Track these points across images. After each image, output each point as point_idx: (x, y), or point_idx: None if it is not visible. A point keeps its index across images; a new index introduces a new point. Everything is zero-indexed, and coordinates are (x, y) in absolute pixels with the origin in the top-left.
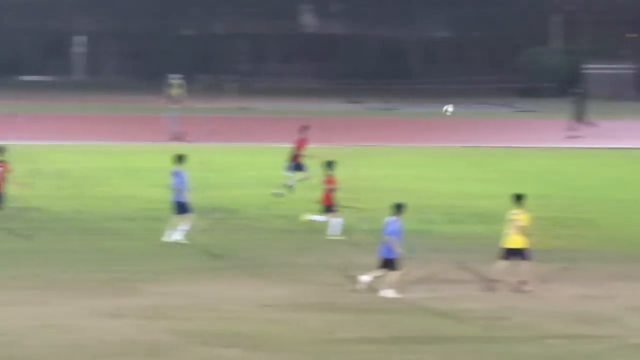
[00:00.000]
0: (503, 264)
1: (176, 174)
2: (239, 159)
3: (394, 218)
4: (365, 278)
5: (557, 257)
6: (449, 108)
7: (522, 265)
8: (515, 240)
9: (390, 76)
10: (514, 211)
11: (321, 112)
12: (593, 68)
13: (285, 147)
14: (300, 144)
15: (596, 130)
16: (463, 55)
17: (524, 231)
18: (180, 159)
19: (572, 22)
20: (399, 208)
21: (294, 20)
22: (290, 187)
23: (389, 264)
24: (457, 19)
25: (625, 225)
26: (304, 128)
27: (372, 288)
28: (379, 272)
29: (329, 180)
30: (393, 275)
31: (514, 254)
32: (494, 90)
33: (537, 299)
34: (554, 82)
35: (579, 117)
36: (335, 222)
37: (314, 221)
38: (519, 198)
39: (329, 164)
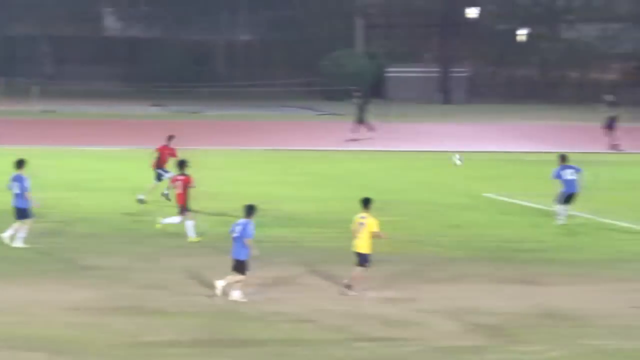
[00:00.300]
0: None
1: (17, 179)
2: (46, 162)
3: (245, 220)
4: (220, 283)
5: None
6: (457, 159)
7: (355, 269)
8: (360, 245)
9: (195, 79)
10: (361, 215)
11: (126, 115)
12: (397, 71)
13: (93, 150)
14: (164, 152)
15: (381, 133)
16: (267, 58)
17: (374, 235)
18: (20, 163)
19: (376, 25)
20: (250, 210)
21: (96, 24)
22: (165, 196)
23: (239, 266)
24: (262, 22)
25: (431, 227)
26: (170, 137)
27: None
28: (233, 276)
29: (184, 181)
30: (239, 278)
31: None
32: (298, 93)
33: (345, 301)
34: (358, 86)
35: (360, 120)
36: (189, 224)
37: (169, 224)
38: (366, 202)
39: (181, 164)
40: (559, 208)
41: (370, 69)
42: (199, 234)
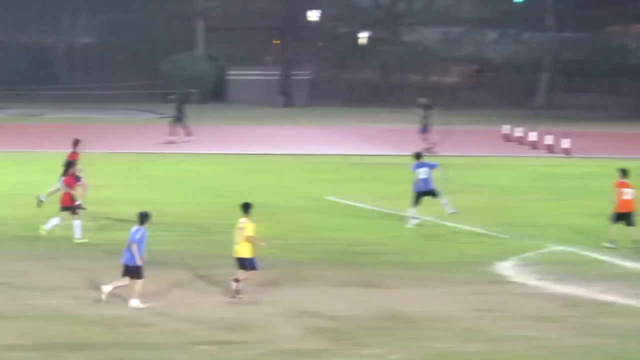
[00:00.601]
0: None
1: None
2: None
3: (138, 227)
4: (106, 288)
5: (201, 263)
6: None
7: (240, 274)
8: (241, 250)
9: (35, 82)
10: (241, 220)
11: None
12: (238, 74)
13: None
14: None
15: (223, 136)
16: (108, 60)
17: (249, 240)
18: None
19: (217, 28)
20: (143, 217)
21: None
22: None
23: (131, 271)
24: (101, 25)
25: (273, 230)
26: (77, 142)
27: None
28: (122, 281)
29: (68, 182)
30: (137, 284)
31: (241, 263)
32: (140, 96)
33: (186, 305)
34: (198, 89)
35: (178, 122)
36: (76, 224)
37: (52, 228)
38: (246, 207)
39: (69, 165)
40: (411, 211)
41: (210, 71)
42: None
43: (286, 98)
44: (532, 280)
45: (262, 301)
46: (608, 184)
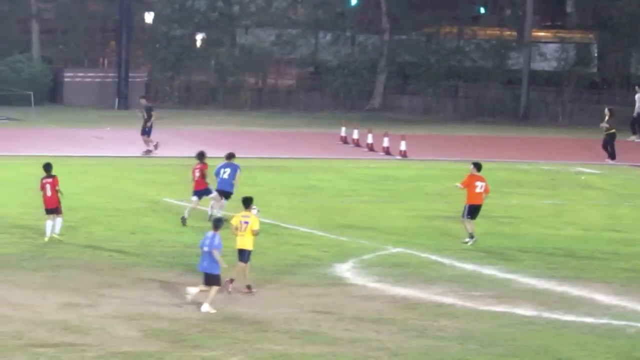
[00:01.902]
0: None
1: None
2: None
3: (214, 232)
4: (192, 290)
5: (40, 265)
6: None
7: (239, 266)
8: (244, 242)
9: None
10: (244, 214)
11: None
12: (74, 76)
13: None
14: None
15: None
16: None
17: (255, 233)
18: None
19: (52, 30)
20: (217, 223)
21: None
22: None
23: (211, 279)
24: None
25: (109, 233)
26: None
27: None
28: (205, 288)
29: (55, 182)
30: (213, 290)
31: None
32: None
33: (24, 307)
34: (33, 91)
35: None
36: (58, 222)
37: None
38: (246, 201)
39: (48, 167)
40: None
41: (46, 73)
42: None
43: (122, 100)
44: (371, 282)
45: (101, 303)
46: (444, 185)
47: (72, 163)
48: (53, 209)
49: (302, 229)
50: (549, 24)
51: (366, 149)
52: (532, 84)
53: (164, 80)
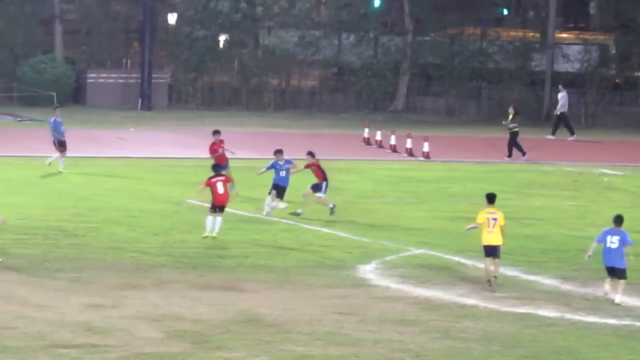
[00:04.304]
0: None
1: None
2: None
3: (619, 230)
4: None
5: (63, 266)
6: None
7: (495, 263)
8: (493, 239)
9: None
10: (490, 210)
11: None
12: (97, 77)
13: None
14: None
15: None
16: None
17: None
18: None
19: (75, 31)
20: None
21: None
22: None
23: (618, 272)
24: None
25: (132, 234)
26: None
27: None
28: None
29: (227, 180)
30: (620, 284)
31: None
32: None
33: (48, 308)
34: (57, 92)
35: None
36: (219, 221)
37: None
38: (491, 197)
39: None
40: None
41: (69, 74)
42: None
43: (146, 101)
44: (393, 284)
45: (124, 304)
46: (467, 187)
47: (95, 164)
48: (222, 207)
49: (325, 230)
50: (571, 25)
51: (389, 150)
52: (555, 85)
53: (187, 81)
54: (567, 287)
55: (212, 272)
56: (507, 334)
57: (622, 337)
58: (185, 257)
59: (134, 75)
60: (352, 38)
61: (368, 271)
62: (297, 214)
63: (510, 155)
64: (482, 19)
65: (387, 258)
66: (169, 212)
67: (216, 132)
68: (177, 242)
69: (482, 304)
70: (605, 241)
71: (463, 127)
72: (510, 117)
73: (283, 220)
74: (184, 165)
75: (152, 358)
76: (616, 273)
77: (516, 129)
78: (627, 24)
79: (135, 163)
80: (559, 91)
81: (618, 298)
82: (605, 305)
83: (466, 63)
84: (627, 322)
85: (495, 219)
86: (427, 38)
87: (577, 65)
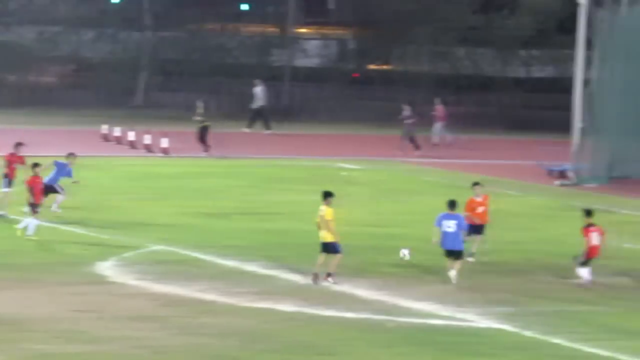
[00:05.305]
0: None
1: None
2: None
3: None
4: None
5: None
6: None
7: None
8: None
9: None
10: (321, 207)
11: None
12: None
13: None
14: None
15: None
16: None
17: (328, 225)
18: None
19: None
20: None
21: None
22: None
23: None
24: None
25: None
26: (19, 144)
27: None
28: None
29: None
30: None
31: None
32: None
33: None
34: None
35: None
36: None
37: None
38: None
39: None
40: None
41: None
42: None
43: None
44: (132, 280)
45: None
46: (207, 183)
47: None
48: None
49: (63, 227)
50: (311, 20)
51: (128, 147)
52: (294, 80)
53: None
54: (305, 281)
55: None
56: (245, 329)
57: (360, 330)
58: None
59: None
60: (91, 34)
61: (106, 268)
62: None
63: (206, 151)
64: (222, 14)
65: (126, 255)
66: None
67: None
68: None
69: (221, 299)
70: (441, 225)
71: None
72: (199, 111)
73: (23, 219)
74: None
75: None
76: (454, 254)
77: (206, 124)
78: (365, 18)
79: None
80: (254, 85)
81: (453, 273)
82: (343, 300)
83: (206, 58)
84: (365, 315)
85: (321, 216)
86: (167, 34)
87: (316, 60)
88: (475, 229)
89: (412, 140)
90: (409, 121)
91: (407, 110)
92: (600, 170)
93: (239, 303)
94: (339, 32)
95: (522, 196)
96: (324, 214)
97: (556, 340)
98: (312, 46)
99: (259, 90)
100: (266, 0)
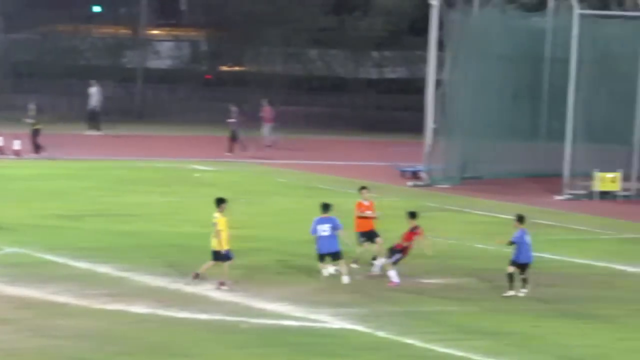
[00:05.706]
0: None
1: None
2: None
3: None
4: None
5: None
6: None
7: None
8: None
9: None
10: (215, 215)
11: None
12: None
13: None
14: None
15: None
16: None
17: (218, 234)
18: None
19: None
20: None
21: None
22: None
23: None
24: None
25: None
26: None
27: None
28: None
29: None
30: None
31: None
32: None
33: None
34: None
35: None
36: None
37: None
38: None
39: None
40: None
41: None
42: None
43: None
44: None
45: None
46: (60, 185)
47: None
48: None
49: None
50: (163, 22)
51: None
52: (147, 82)
53: None
54: (158, 283)
55: None
56: (98, 331)
57: (215, 332)
58: None
59: None
60: None
61: None
62: None
63: (37, 152)
64: (75, 16)
65: None
66: None
67: None
68: None
69: (74, 301)
70: (316, 232)
71: (55, 124)
72: (31, 113)
73: None
74: None
75: None
76: (332, 256)
77: (38, 126)
78: (218, 20)
79: None
80: (90, 86)
81: (346, 279)
82: (197, 302)
83: (58, 60)
84: (218, 317)
85: (214, 224)
86: (19, 35)
87: (169, 62)
88: (368, 235)
89: (235, 140)
90: (233, 121)
91: (234, 112)
92: (452, 171)
93: (92, 305)
94: (191, 33)
95: (374, 197)
96: (217, 222)
97: (409, 341)
98: (164, 48)
99: (94, 90)
100: (118, 2)
